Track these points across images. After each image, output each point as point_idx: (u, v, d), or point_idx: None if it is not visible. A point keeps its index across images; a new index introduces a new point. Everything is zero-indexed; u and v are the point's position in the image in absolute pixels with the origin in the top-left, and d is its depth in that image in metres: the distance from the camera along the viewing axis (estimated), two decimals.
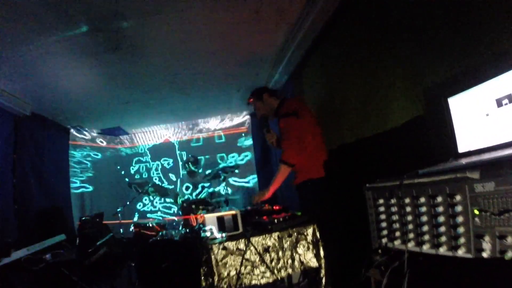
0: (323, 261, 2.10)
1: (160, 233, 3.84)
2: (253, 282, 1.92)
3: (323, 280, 2.09)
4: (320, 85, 3.67)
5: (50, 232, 3.96)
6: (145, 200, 6.83)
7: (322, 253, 2.10)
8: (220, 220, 1.97)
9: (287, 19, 3.28)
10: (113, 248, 3.81)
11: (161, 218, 6.33)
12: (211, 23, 3.18)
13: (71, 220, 5.41)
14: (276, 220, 2.05)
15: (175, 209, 6.15)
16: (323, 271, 2.09)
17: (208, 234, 1.96)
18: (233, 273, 1.86)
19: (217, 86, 4.87)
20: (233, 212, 2.01)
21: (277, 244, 1.99)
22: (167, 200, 6.38)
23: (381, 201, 1.53)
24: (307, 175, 2.69)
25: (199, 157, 5.82)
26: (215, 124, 6.87)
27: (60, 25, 2.91)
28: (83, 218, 3.73)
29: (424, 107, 2.01)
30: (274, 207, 2.43)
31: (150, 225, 4.19)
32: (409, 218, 1.36)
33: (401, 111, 2.26)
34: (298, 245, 2.05)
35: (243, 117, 6.74)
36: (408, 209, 1.37)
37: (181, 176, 6.81)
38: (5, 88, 3.99)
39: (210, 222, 1.98)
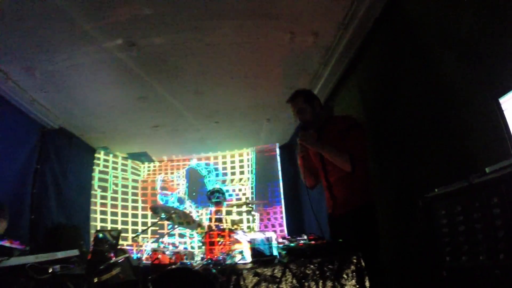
0: None
1: (180, 262, 3.76)
2: None
3: None
4: (354, 110, 3.63)
5: (63, 247, 4.00)
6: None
7: (367, 284, 1.93)
8: (251, 242, 1.86)
9: (321, 43, 3.35)
10: (127, 272, 3.74)
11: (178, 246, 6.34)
12: (245, 45, 3.28)
13: (87, 239, 5.43)
14: (315, 246, 1.92)
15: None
16: None
17: (238, 258, 1.85)
18: None
19: (246, 114, 4.91)
20: (270, 234, 1.90)
21: (317, 273, 1.84)
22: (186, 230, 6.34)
23: (443, 212, 1.42)
24: (366, 197, 2.57)
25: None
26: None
27: (98, 36, 3.05)
28: (98, 231, 3.72)
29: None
30: (310, 237, 2.30)
31: (169, 253, 4.13)
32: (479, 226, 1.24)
33: None
34: (341, 274, 1.89)
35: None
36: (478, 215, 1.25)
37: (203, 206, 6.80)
38: (36, 98, 4.14)
39: (245, 244, 1.88)
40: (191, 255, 4.32)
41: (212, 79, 3.82)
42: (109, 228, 6.22)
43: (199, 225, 4.58)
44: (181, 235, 6.65)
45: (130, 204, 6.88)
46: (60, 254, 3.12)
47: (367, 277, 1.92)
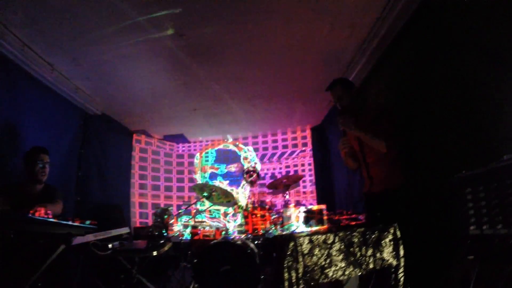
0: (402, 260, 2.33)
1: (222, 236, 4.18)
2: (335, 275, 2.17)
3: (402, 279, 2.31)
4: (385, 97, 3.87)
5: (105, 226, 4.43)
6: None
7: (401, 252, 2.33)
8: (307, 213, 2.27)
9: (357, 35, 3.63)
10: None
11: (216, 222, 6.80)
12: (287, 35, 3.56)
13: (128, 219, 5.99)
14: (358, 219, 2.33)
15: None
16: (401, 270, 2.32)
17: (294, 227, 2.25)
18: (317, 266, 2.14)
19: (282, 98, 5.21)
20: (321, 206, 2.30)
21: (361, 240, 2.25)
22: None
23: (468, 189, 1.76)
24: (400, 177, 2.87)
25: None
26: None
27: (149, 27, 3.34)
28: (158, 208, 4.12)
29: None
30: (347, 212, 2.71)
31: (209, 228, 4.56)
32: (496, 202, 1.58)
33: None
34: (380, 243, 2.30)
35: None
36: (496, 193, 1.58)
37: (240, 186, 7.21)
38: (80, 86, 4.56)
39: (298, 213, 2.27)
40: (227, 231, 4.73)
41: (253, 66, 4.13)
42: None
43: (236, 202, 4.96)
44: (211, 212, 7.11)
45: (162, 183, 7.40)
46: (114, 232, 3.32)
47: (402, 246, 2.32)
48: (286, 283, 2.10)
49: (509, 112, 1.97)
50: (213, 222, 6.75)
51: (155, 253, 3.33)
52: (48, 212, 2.54)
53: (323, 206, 2.32)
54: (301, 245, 2.12)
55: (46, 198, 3.23)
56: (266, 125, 6.78)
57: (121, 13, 3.12)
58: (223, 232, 4.62)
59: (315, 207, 2.33)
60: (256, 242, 4.11)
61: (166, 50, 3.71)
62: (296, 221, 2.33)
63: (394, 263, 2.28)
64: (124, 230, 3.55)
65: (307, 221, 2.27)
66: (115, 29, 3.36)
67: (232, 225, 6.08)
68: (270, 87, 4.75)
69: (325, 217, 2.31)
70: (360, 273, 2.22)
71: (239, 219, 4.88)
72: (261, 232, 4.19)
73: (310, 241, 2.15)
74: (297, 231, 2.27)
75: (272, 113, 5.96)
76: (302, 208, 2.31)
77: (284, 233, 2.38)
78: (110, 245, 3.04)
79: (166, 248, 3.76)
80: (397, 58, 3.56)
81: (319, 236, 2.16)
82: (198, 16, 3.21)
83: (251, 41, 3.62)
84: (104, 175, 5.47)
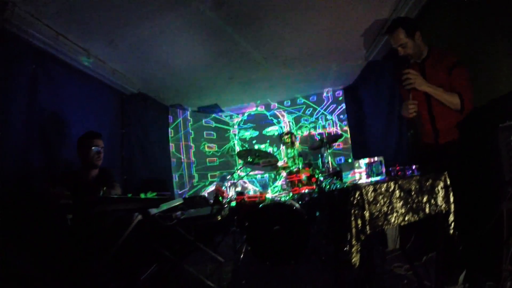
0: (452, 205, 2.49)
1: (269, 199, 4.40)
2: (397, 221, 2.36)
3: (452, 223, 2.49)
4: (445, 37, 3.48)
5: None
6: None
7: (452, 198, 2.49)
8: (369, 165, 2.43)
9: None
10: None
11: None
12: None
13: (172, 190, 6.39)
14: (414, 167, 2.49)
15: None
16: (452, 216, 2.48)
17: (357, 177, 2.42)
18: (381, 213, 2.32)
19: (318, 59, 5.21)
20: (379, 158, 2.45)
21: (417, 187, 2.41)
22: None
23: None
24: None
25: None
26: None
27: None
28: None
29: None
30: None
31: (253, 192, 4.79)
32: None
33: None
34: (434, 190, 2.46)
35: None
36: None
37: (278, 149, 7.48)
38: (117, 68, 4.73)
39: (360, 167, 2.43)
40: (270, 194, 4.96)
41: (291, 29, 4.14)
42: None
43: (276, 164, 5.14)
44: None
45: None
46: (172, 203, 3.38)
47: (452, 193, 2.46)
48: (354, 231, 2.31)
49: None
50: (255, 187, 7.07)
51: (219, 217, 3.48)
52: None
53: (381, 158, 2.46)
54: (366, 193, 2.30)
55: (103, 182, 3.29)
56: (301, 88, 6.88)
57: None
58: (267, 196, 4.85)
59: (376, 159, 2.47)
60: (300, 202, 4.34)
61: (205, 21, 3.77)
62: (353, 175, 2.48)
63: (446, 208, 2.45)
64: (179, 201, 3.65)
65: (371, 171, 2.42)
66: (152, 7, 3.42)
67: (275, 187, 6.26)
68: (307, 49, 4.79)
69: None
70: (418, 219, 2.39)
71: (281, 181, 5.02)
72: (306, 192, 4.41)
73: (374, 190, 2.32)
74: (359, 182, 2.42)
75: (307, 76, 6.02)
76: (363, 160, 2.45)
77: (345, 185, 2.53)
78: (173, 215, 3.18)
79: (227, 212, 3.99)
80: (430, 22, 3.40)
81: (382, 184, 2.32)
82: None
83: (290, 4, 3.64)
84: (146, 151, 5.75)
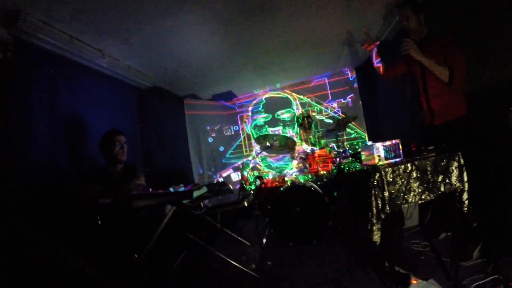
0: (466, 184, 2.61)
1: (290, 182, 4.56)
2: (414, 200, 2.50)
3: (466, 201, 2.61)
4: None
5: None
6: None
7: (465, 177, 2.60)
8: (386, 147, 2.56)
9: None
10: None
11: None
12: None
13: (192, 179, 6.59)
14: (428, 150, 2.61)
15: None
16: (466, 194, 2.61)
17: (376, 160, 2.55)
18: (400, 192, 2.46)
19: (330, 40, 5.24)
20: (396, 140, 2.58)
21: (433, 167, 2.54)
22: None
23: None
24: (462, 110, 3.02)
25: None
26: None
27: None
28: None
29: None
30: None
31: (272, 176, 4.95)
32: None
33: None
34: (448, 169, 2.58)
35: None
36: None
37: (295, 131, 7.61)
38: (131, 64, 4.87)
39: (378, 148, 2.56)
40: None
41: (303, 15, 4.21)
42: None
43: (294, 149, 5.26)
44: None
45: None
46: (199, 193, 3.44)
47: (465, 172, 2.59)
48: (374, 210, 2.47)
49: None
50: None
51: (246, 203, 3.62)
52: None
53: (398, 140, 2.58)
54: (385, 175, 2.44)
55: (129, 176, 3.51)
56: (313, 70, 6.94)
57: None
58: (287, 178, 5.01)
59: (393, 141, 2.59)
60: (318, 183, 4.48)
61: (218, 12, 3.84)
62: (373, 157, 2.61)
63: (460, 187, 2.58)
64: (204, 190, 3.75)
65: (389, 153, 2.55)
66: (165, 3, 3.50)
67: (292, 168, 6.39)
68: (318, 33, 4.84)
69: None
70: (433, 197, 2.52)
71: (299, 162, 5.14)
72: (324, 173, 4.55)
73: (393, 171, 2.47)
74: (379, 163, 2.55)
75: (319, 57, 6.06)
76: (380, 143, 2.57)
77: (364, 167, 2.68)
78: (202, 204, 3.28)
79: (252, 197, 4.14)
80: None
81: (400, 166, 2.46)
82: None
83: None
84: (165, 143, 5.94)
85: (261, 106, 7.89)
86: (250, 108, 7.97)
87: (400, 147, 2.59)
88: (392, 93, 5.37)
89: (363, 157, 2.80)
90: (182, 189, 2.94)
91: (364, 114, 7.01)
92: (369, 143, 2.71)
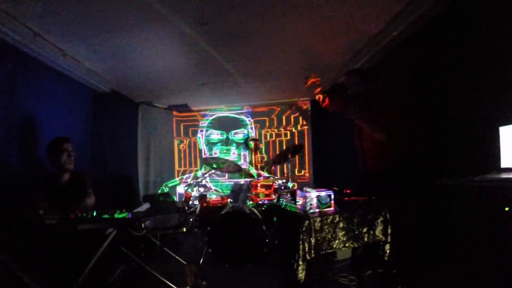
0: (389, 237, 2.94)
1: (230, 205, 4.77)
2: (338, 247, 2.80)
3: (388, 251, 2.95)
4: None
5: (124, 199, 4.92)
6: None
7: (389, 231, 2.94)
8: (318, 197, 2.84)
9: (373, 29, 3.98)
10: None
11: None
12: (304, 24, 3.84)
13: (137, 188, 6.58)
14: (358, 202, 2.94)
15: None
16: (388, 245, 2.95)
17: (308, 207, 2.83)
18: (325, 240, 2.75)
19: (291, 75, 5.52)
20: (329, 192, 2.88)
21: (359, 220, 2.86)
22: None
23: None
24: (394, 163, 3.27)
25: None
26: None
27: (171, 16, 3.54)
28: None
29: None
30: (346, 191, 3.31)
31: (214, 197, 5.12)
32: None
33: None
34: (374, 222, 2.92)
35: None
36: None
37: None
38: (92, 68, 4.89)
39: (312, 198, 2.84)
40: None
41: (269, 50, 4.44)
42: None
43: (245, 172, 5.45)
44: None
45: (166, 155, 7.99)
46: (141, 209, 3.54)
47: (390, 226, 2.92)
48: (301, 253, 2.73)
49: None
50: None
51: (185, 229, 3.72)
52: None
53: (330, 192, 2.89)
54: (314, 223, 2.73)
55: (76, 187, 3.50)
56: (272, 97, 7.22)
57: (145, 4, 3.31)
58: (229, 201, 5.20)
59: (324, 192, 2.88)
60: (260, 207, 4.71)
61: (186, 36, 3.97)
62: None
63: (383, 239, 2.92)
64: (146, 206, 3.85)
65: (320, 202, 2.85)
66: (134, 19, 3.58)
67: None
68: (280, 67, 5.11)
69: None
70: (356, 245, 2.87)
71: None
72: (265, 201, 4.79)
73: (321, 221, 2.75)
74: (311, 211, 2.83)
75: (279, 88, 6.38)
76: (314, 192, 2.87)
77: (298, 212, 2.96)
78: (143, 225, 3.25)
79: (192, 223, 4.25)
80: (405, 57, 3.96)
81: (329, 217, 2.75)
82: (224, 6, 3.43)
83: (270, 29, 3.91)
84: (115, 149, 5.95)
85: (216, 123, 8.03)
86: (205, 123, 8.08)
87: (332, 197, 2.90)
88: (344, 132, 5.63)
89: (297, 200, 3.08)
90: (126, 214, 2.99)
91: (313, 149, 7.29)
92: (305, 189, 2.98)
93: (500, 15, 2.66)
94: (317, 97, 3.64)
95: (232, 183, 7.28)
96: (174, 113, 7.92)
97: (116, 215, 2.89)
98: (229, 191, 7.05)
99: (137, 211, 3.20)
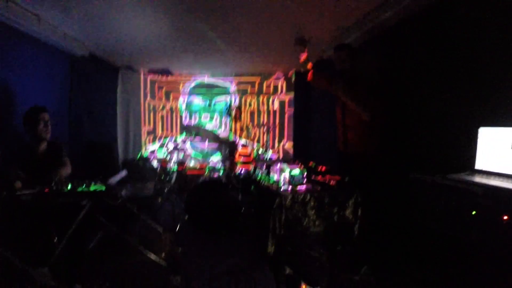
0: (358, 219, 3.08)
1: (207, 173, 4.84)
2: (307, 225, 2.93)
3: (356, 232, 3.09)
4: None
5: (102, 166, 4.92)
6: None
7: (359, 213, 3.07)
8: (291, 175, 2.93)
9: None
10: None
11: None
12: None
13: (117, 155, 6.58)
14: (331, 183, 3.03)
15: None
16: (357, 226, 3.09)
17: (282, 185, 2.92)
18: (295, 218, 2.87)
19: (274, 46, 5.44)
20: (303, 170, 2.97)
21: (330, 200, 2.97)
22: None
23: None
24: (375, 145, 3.39)
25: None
26: None
27: None
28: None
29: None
30: (322, 168, 3.39)
31: (193, 164, 5.16)
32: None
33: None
34: (345, 204, 3.03)
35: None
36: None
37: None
38: (68, 32, 4.72)
39: (285, 174, 2.93)
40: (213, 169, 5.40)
41: (252, 20, 4.32)
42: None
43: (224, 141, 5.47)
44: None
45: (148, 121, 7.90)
46: (119, 177, 3.61)
47: (360, 208, 3.05)
48: (271, 228, 2.84)
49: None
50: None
51: (160, 199, 3.78)
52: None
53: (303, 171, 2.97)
54: (285, 200, 2.82)
55: (52, 157, 3.48)
56: (255, 67, 7.16)
57: None
58: (207, 167, 5.28)
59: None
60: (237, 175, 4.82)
61: (168, 5, 3.88)
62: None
63: (353, 220, 3.07)
64: (123, 174, 3.87)
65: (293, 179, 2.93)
66: None
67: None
68: (264, 37, 5.00)
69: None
70: (326, 225, 2.98)
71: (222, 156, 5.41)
72: (242, 169, 4.88)
73: (292, 198, 2.84)
74: (283, 187, 2.92)
75: (262, 58, 6.29)
76: (288, 169, 2.94)
77: (271, 187, 3.05)
78: (119, 194, 3.25)
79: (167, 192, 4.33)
80: (394, 42, 3.92)
81: (300, 195, 2.85)
82: None
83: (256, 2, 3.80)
84: (94, 114, 5.87)
85: (198, 89, 7.92)
86: (186, 89, 7.95)
87: (304, 175, 2.99)
88: (325, 108, 5.73)
89: (271, 175, 3.17)
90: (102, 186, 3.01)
91: (294, 123, 7.32)
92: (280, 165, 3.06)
93: (489, 16, 2.66)
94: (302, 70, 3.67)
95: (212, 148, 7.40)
96: (155, 77, 7.78)
97: (91, 187, 2.93)
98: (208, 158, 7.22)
99: (113, 180, 3.30)
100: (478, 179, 2.27)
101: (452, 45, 3.00)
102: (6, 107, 3.84)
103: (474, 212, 2.04)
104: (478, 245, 2.03)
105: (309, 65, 3.76)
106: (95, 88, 5.96)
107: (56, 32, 4.56)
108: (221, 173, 4.99)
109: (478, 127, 2.50)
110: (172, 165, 5.47)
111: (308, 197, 2.90)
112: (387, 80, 3.81)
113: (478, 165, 2.49)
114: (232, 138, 5.68)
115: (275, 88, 7.70)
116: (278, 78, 7.59)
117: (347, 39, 4.46)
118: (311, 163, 3.62)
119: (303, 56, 3.80)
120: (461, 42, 2.90)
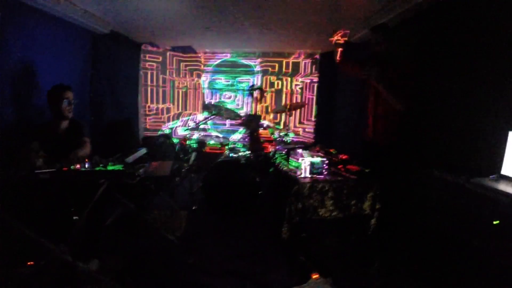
0: (376, 212, 2.99)
1: (229, 153, 4.83)
2: (323, 215, 2.86)
3: (372, 226, 3.01)
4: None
5: (122, 143, 4.94)
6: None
7: (377, 206, 2.97)
8: (311, 163, 2.86)
9: None
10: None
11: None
12: None
13: (137, 131, 6.58)
14: (351, 173, 2.94)
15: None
16: (373, 220, 3.00)
17: (301, 172, 2.85)
18: (312, 206, 2.81)
19: (298, 25, 5.22)
20: (323, 159, 2.89)
21: (349, 192, 2.89)
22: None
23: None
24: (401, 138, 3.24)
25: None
26: None
27: None
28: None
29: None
30: (343, 156, 3.30)
31: (214, 143, 5.15)
32: None
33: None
34: (363, 196, 2.94)
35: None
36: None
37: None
38: (88, 9, 4.64)
39: (305, 162, 2.86)
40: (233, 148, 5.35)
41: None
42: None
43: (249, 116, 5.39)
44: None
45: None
46: (137, 155, 3.56)
47: (378, 201, 2.95)
48: (287, 216, 2.81)
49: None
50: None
51: (177, 178, 3.75)
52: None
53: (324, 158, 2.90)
54: (303, 188, 2.76)
55: (73, 135, 3.46)
56: (279, 46, 6.95)
57: None
58: (227, 147, 5.25)
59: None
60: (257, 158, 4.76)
61: None
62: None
63: (370, 213, 2.98)
64: (142, 152, 3.81)
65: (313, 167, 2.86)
66: None
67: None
68: (287, 15, 4.76)
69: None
70: (342, 216, 2.92)
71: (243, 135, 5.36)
72: (263, 153, 4.82)
73: (310, 187, 2.77)
74: (302, 175, 2.86)
75: (286, 37, 6.06)
76: (309, 157, 2.88)
77: (290, 173, 2.99)
78: (137, 173, 3.19)
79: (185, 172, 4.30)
80: (429, 27, 3.65)
81: (318, 184, 2.78)
82: None
83: None
84: (115, 91, 5.87)
85: (221, 68, 7.77)
86: (210, 67, 7.82)
87: (325, 164, 2.91)
88: (349, 95, 5.55)
89: (291, 161, 3.10)
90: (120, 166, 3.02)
91: (318, 100, 7.16)
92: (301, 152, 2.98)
93: None
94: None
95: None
96: (178, 54, 7.67)
97: (109, 167, 2.94)
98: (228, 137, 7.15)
99: (131, 158, 3.28)
100: (503, 186, 2.10)
101: (493, 37, 2.69)
102: (27, 85, 3.83)
103: (497, 222, 1.91)
104: (497, 256, 1.90)
105: (339, 50, 3.60)
106: (118, 65, 5.95)
107: (76, 10, 4.49)
108: (241, 152, 4.93)
109: (509, 131, 2.31)
110: (192, 144, 5.46)
111: (327, 187, 2.82)
112: (423, 68, 3.53)
113: (505, 170, 2.32)
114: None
115: (298, 69, 7.50)
116: (301, 59, 7.38)
117: (381, 20, 4.16)
118: (332, 150, 3.52)
119: (335, 38, 3.64)
120: (504, 36, 2.58)
